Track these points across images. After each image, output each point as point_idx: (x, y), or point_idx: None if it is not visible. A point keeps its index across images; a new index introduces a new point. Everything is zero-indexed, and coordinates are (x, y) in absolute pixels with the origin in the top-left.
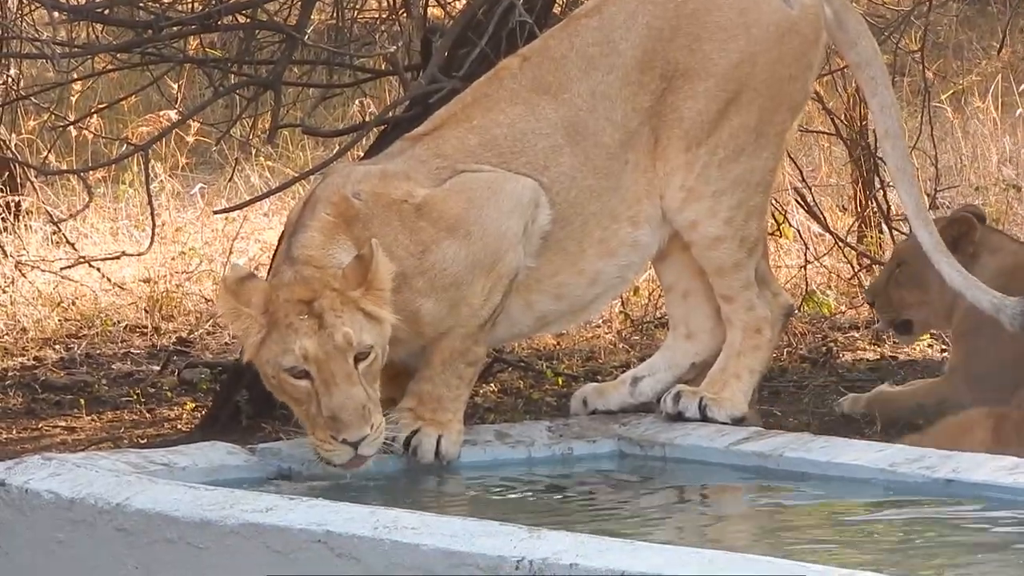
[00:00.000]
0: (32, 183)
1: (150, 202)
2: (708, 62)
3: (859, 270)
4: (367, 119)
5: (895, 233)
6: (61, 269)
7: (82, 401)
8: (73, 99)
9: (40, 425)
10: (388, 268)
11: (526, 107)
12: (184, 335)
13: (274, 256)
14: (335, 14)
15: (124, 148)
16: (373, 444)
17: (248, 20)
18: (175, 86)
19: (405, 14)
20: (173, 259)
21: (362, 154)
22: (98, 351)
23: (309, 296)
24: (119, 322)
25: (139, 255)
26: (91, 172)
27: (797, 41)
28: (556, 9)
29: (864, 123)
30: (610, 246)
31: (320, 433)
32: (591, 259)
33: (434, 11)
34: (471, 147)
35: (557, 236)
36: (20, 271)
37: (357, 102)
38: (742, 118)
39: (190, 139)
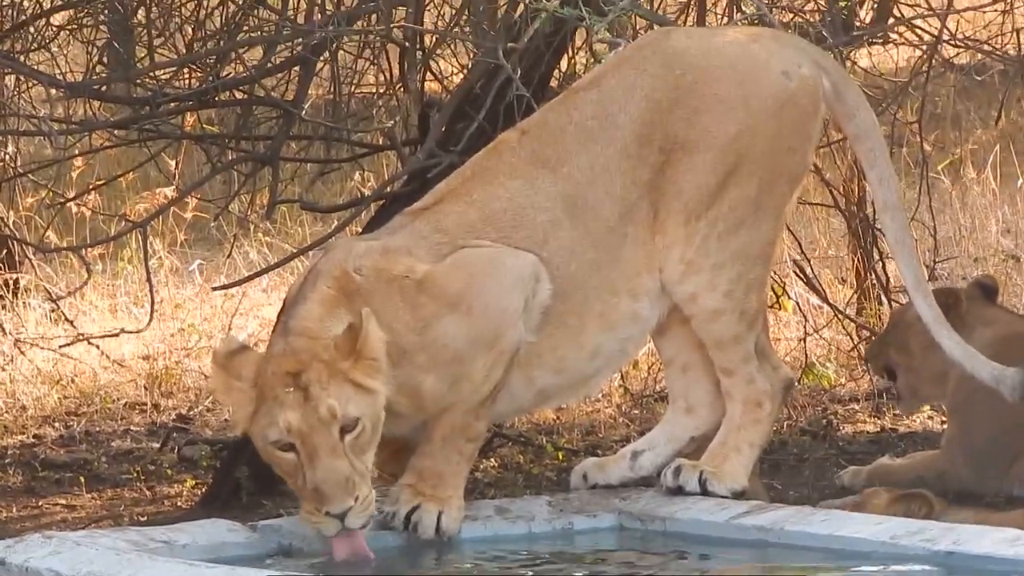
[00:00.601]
0: (30, 260)
1: (148, 279)
2: (707, 135)
3: (859, 342)
4: (365, 194)
5: (894, 304)
6: (60, 347)
7: (82, 479)
8: (71, 176)
9: (40, 503)
10: (379, 337)
11: (525, 181)
12: (184, 412)
13: (273, 332)
14: (332, 89)
15: (122, 225)
16: (360, 516)
17: (245, 96)
18: (173, 162)
19: (402, 89)
20: (172, 336)
21: (360, 229)
22: (97, 428)
23: (296, 368)
24: (118, 399)
25: (138, 332)
26: (89, 249)
27: (796, 113)
28: (553, 83)
29: (862, 195)
30: (610, 319)
31: (308, 505)
32: (591, 333)
33: (431, 85)
34: (471, 222)
35: (557, 310)
36: (19, 349)
37: (356, 176)
38: (741, 190)
39: (188, 215)
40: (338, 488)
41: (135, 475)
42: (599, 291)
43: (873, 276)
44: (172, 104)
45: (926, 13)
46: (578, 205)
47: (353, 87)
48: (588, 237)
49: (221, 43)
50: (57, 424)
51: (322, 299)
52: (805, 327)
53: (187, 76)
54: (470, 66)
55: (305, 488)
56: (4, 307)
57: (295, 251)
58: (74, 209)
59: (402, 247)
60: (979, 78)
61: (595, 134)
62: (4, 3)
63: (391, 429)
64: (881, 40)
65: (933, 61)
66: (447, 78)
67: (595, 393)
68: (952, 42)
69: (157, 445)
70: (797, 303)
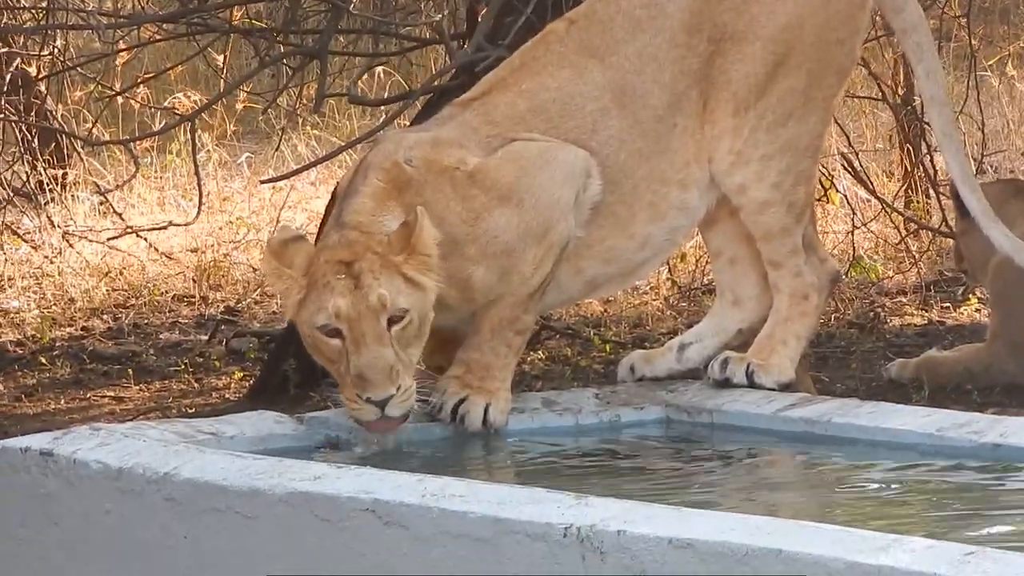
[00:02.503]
0: (79, 154)
1: (197, 172)
2: (755, 24)
3: (906, 235)
4: (413, 88)
5: (942, 198)
6: (108, 239)
7: (130, 371)
8: (119, 69)
9: (88, 395)
10: (433, 234)
11: (573, 70)
12: (232, 304)
13: (322, 225)
14: None
15: (171, 118)
16: (401, 406)
17: None
18: (220, 57)
19: None
20: (220, 229)
21: (408, 123)
22: (146, 321)
23: (350, 258)
24: (167, 292)
25: (186, 225)
26: (137, 142)
27: (844, 4)
28: None
29: (909, 88)
30: (659, 209)
31: (348, 392)
32: (641, 223)
33: None
34: (520, 112)
35: (607, 200)
36: (68, 241)
37: (404, 69)
38: (790, 82)
39: (238, 107)
40: (382, 375)
41: (183, 367)
42: (648, 181)
43: (920, 169)
44: None
45: None
46: (627, 94)
47: None
48: (637, 126)
49: None
50: (105, 316)
51: (374, 192)
52: (853, 220)
53: None
54: None
55: (348, 375)
56: (52, 200)
57: (343, 144)
58: (122, 103)
59: (453, 139)
60: None
61: (643, 23)
62: None
63: (440, 320)
64: None
65: None
66: None
67: (642, 285)
68: None
69: (205, 337)
70: (845, 196)
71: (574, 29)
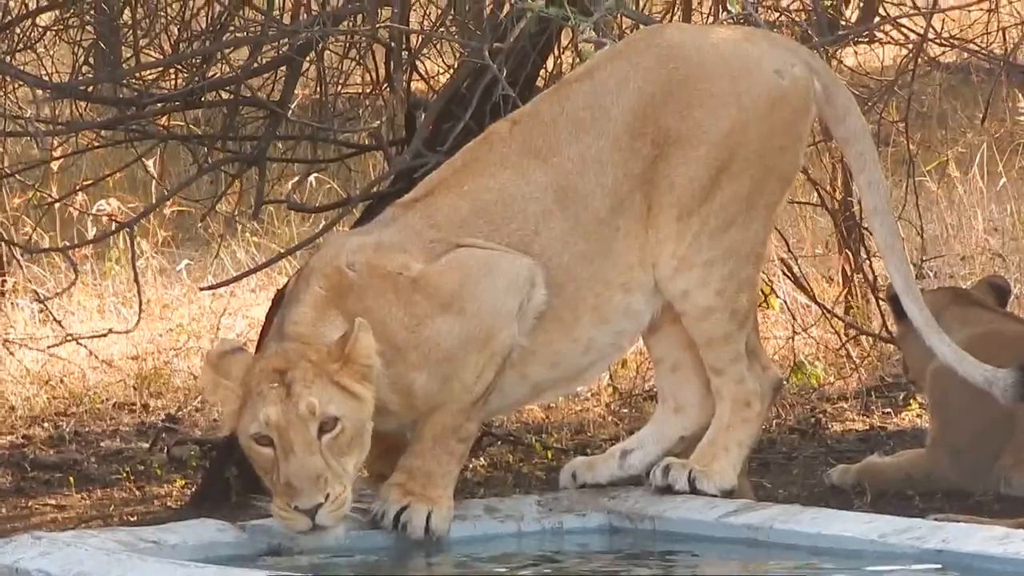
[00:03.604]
0: (18, 261)
1: (136, 279)
2: (699, 129)
3: (847, 340)
4: (352, 194)
5: (882, 303)
6: (48, 347)
7: (71, 479)
8: (57, 176)
9: (30, 503)
10: (369, 344)
11: (516, 171)
12: (173, 412)
13: (262, 332)
14: (318, 89)
15: (109, 225)
16: (331, 515)
17: (231, 96)
18: (156, 162)
19: (388, 89)
20: (160, 336)
21: (347, 230)
22: (87, 428)
23: (284, 366)
24: (107, 399)
25: (126, 332)
26: (76, 249)
27: (788, 112)
28: (539, 83)
29: (848, 193)
30: (603, 313)
31: (279, 500)
32: (585, 326)
33: (417, 85)
34: (463, 215)
35: (551, 304)
36: (7, 349)
37: (342, 177)
38: (734, 188)
39: (172, 212)
40: (308, 483)
41: (124, 475)
42: (591, 283)
43: (860, 275)
44: (158, 104)
45: (912, 12)
46: (569, 196)
47: (339, 87)
48: (579, 228)
49: (207, 43)
50: (46, 424)
51: (315, 301)
52: (793, 326)
53: (173, 76)
54: (456, 66)
55: (278, 483)
56: None
57: (283, 251)
58: (60, 209)
59: (396, 243)
60: (965, 72)
61: (587, 125)
62: None
63: (382, 426)
64: (867, 39)
65: (919, 60)
66: (433, 78)
67: (583, 392)
68: (938, 41)
69: (146, 445)
70: (785, 302)
71: (517, 130)
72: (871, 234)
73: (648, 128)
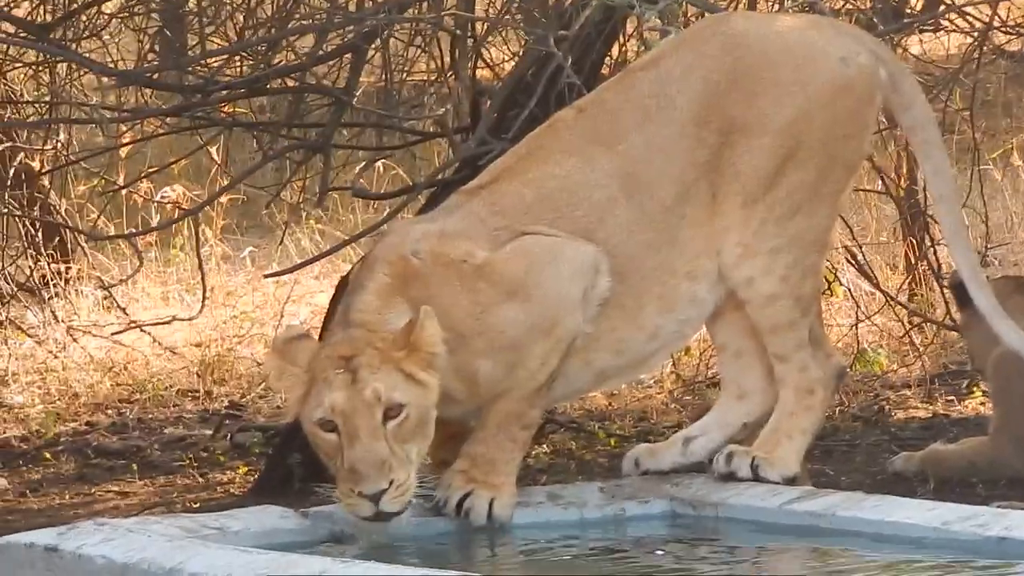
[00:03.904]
0: (83, 248)
1: (200, 266)
2: (764, 118)
3: (910, 328)
4: (417, 182)
5: (946, 291)
6: (112, 334)
7: (134, 466)
8: (123, 163)
9: (93, 490)
10: (435, 331)
11: (581, 158)
12: (236, 399)
13: (326, 319)
14: (384, 76)
15: (174, 212)
16: (395, 502)
17: (297, 84)
18: (221, 149)
19: (454, 76)
20: (224, 323)
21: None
22: (150, 416)
23: (350, 353)
24: (171, 386)
25: (190, 319)
26: (141, 237)
27: (853, 100)
28: (604, 70)
29: (913, 181)
30: (669, 301)
31: (343, 486)
32: (650, 314)
33: (483, 73)
34: (527, 202)
35: (615, 291)
36: (72, 336)
37: (407, 164)
38: (799, 176)
39: (238, 200)
40: (373, 469)
41: (187, 462)
42: (657, 272)
43: (924, 262)
44: (223, 92)
45: (977, 0)
46: (634, 184)
47: (404, 75)
48: (644, 216)
49: (272, 31)
50: (110, 411)
51: (379, 288)
52: (857, 313)
53: (238, 64)
54: (521, 54)
55: (343, 469)
56: (57, 295)
57: (347, 238)
58: (125, 196)
59: (460, 231)
60: None
61: (652, 113)
62: None
63: (446, 413)
64: (932, 27)
65: (984, 48)
66: (498, 65)
67: (646, 379)
68: (1003, 29)
69: (209, 432)
70: (849, 289)
71: (582, 117)
72: (937, 222)
73: (713, 116)
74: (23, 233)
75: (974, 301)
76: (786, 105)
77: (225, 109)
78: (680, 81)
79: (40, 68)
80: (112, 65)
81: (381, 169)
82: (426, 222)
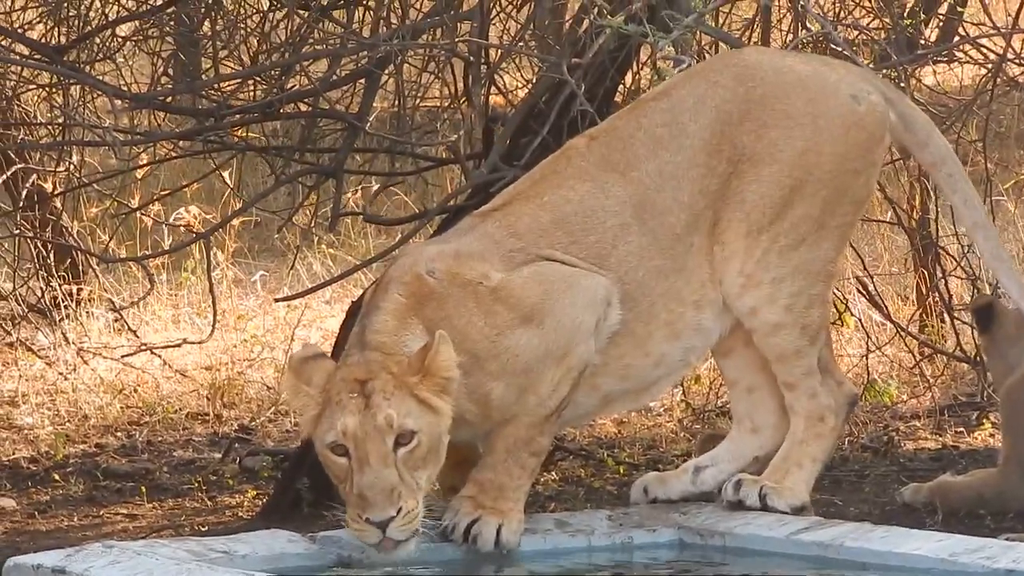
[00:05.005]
0: (94, 270)
1: (211, 289)
2: (774, 148)
3: (921, 359)
4: (429, 207)
5: (956, 323)
6: (123, 356)
7: (143, 488)
8: (135, 186)
9: (101, 512)
10: (450, 356)
11: (595, 184)
12: (246, 423)
13: (336, 344)
14: (396, 102)
15: (185, 235)
16: (403, 529)
17: (310, 108)
18: (235, 173)
19: (466, 103)
20: (235, 346)
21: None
22: (159, 438)
23: (365, 376)
24: (181, 409)
25: (200, 343)
26: (152, 259)
27: (863, 136)
28: (617, 98)
29: (925, 212)
30: (675, 328)
31: (351, 511)
32: (657, 341)
33: (496, 99)
34: (543, 225)
35: (625, 318)
36: (82, 358)
37: (419, 189)
38: (805, 208)
39: (248, 223)
40: (382, 496)
41: (196, 485)
42: (665, 299)
43: (935, 293)
44: (236, 116)
45: (991, 32)
46: (647, 211)
47: (417, 100)
48: (656, 243)
49: (286, 55)
50: (119, 434)
51: (396, 309)
52: (868, 344)
53: (252, 88)
54: (534, 81)
55: (352, 494)
56: (67, 317)
57: (358, 263)
58: (138, 219)
59: (475, 252)
60: None
61: (664, 142)
62: (70, 14)
63: (457, 436)
64: (946, 58)
65: (998, 80)
66: (511, 92)
67: (655, 400)
68: (1017, 60)
69: (219, 455)
70: (859, 320)
71: (595, 144)
72: (976, 250)
73: (724, 146)
74: (35, 255)
75: None
76: (796, 137)
77: (238, 133)
78: (693, 110)
79: (54, 90)
80: (125, 88)
81: (393, 195)
82: (440, 243)
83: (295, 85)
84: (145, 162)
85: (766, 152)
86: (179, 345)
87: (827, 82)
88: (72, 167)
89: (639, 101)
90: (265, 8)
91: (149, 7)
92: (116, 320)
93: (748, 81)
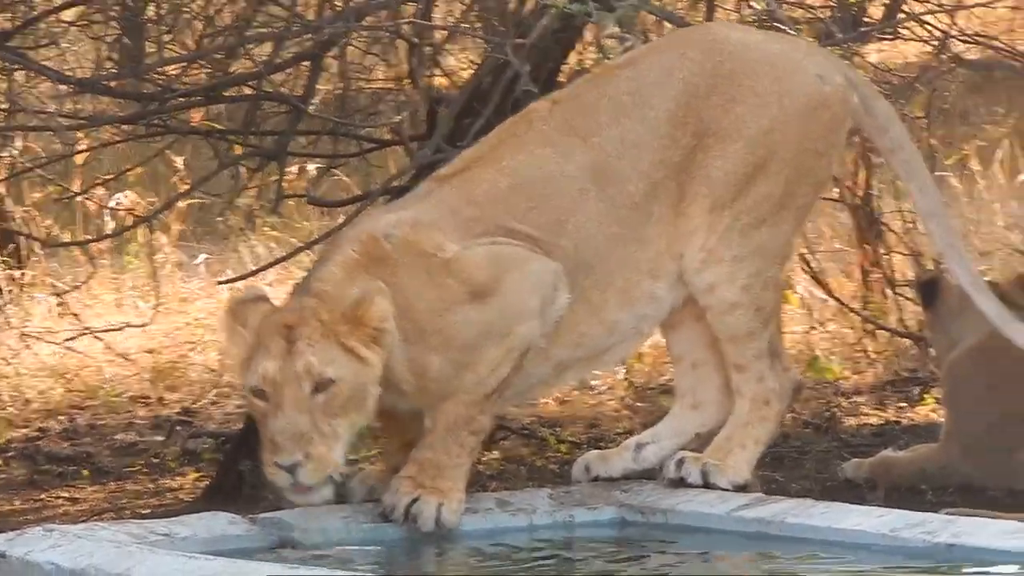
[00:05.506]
0: (37, 255)
1: (154, 273)
2: (740, 125)
3: (863, 335)
4: (372, 188)
5: (899, 298)
6: (65, 340)
7: (85, 472)
8: (78, 171)
9: (43, 496)
10: (385, 308)
11: (555, 149)
12: (188, 405)
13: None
14: (340, 84)
15: (128, 219)
16: (311, 475)
17: (253, 91)
18: (180, 157)
19: (411, 84)
20: (177, 330)
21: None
22: (102, 422)
23: (294, 322)
24: (123, 393)
25: (143, 326)
26: (95, 244)
27: (827, 117)
28: (561, 78)
29: (869, 189)
30: (630, 296)
31: (265, 455)
32: (612, 308)
33: (439, 81)
34: (502, 191)
35: (581, 285)
36: (25, 342)
37: (363, 171)
38: (768, 186)
39: (191, 206)
40: (290, 441)
41: (138, 468)
42: (621, 267)
43: (878, 269)
44: (180, 99)
45: (936, 9)
46: (606, 177)
47: (361, 82)
48: (614, 211)
49: (230, 39)
50: (61, 417)
51: (344, 262)
52: (810, 320)
53: (196, 72)
54: (478, 62)
55: (266, 438)
56: (10, 301)
57: (301, 245)
58: (80, 204)
59: (432, 221)
60: (988, 69)
61: (628, 109)
62: (15, 0)
63: (394, 404)
64: (891, 35)
65: (942, 57)
66: (455, 74)
67: (598, 381)
68: (961, 38)
69: (161, 438)
70: (802, 296)
71: (558, 109)
72: (929, 236)
73: (690, 118)
74: None
75: (983, 311)
76: (762, 115)
77: (182, 117)
78: (658, 81)
79: None
80: (69, 73)
81: (336, 177)
82: (398, 209)
83: (239, 68)
84: (89, 147)
85: (732, 128)
86: (121, 329)
87: (795, 61)
88: (15, 152)
89: (604, 68)
90: None
91: None
92: (59, 304)
93: (716, 55)
